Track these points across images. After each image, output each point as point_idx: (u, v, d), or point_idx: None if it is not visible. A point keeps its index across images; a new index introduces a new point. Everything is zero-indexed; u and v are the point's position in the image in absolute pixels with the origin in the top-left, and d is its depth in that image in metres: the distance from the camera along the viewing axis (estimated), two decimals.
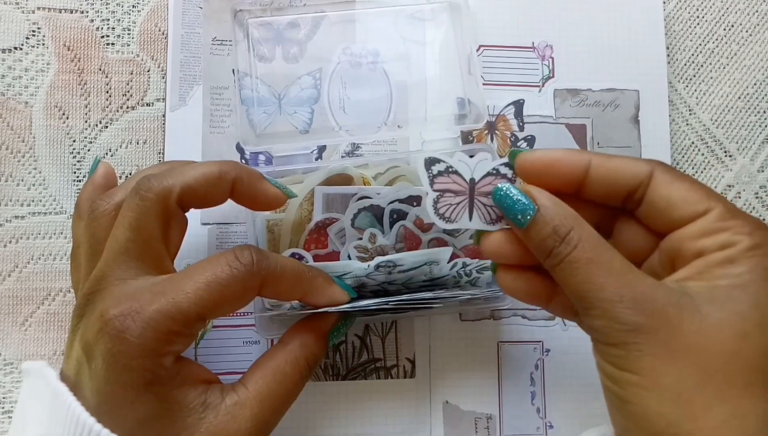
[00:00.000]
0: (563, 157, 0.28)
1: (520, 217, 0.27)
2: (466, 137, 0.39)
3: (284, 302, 0.32)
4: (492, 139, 0.40)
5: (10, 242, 0.37)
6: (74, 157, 0.38)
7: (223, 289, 0.27)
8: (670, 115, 0.41)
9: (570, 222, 0.26)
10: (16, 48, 0.38)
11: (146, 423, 0.25)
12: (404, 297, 0.32)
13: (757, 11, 0.42)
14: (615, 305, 0.24)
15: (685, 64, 0.42)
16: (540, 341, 0.38)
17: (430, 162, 0.29)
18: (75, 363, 0.27)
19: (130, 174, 0.38)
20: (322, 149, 0.38)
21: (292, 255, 0.34)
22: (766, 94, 0.42)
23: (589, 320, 0.26)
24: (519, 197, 0.27)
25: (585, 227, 0.26)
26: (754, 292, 0.24)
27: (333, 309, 0.31)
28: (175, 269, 0.30)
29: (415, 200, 0.35)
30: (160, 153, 0.38)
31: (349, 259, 0.34)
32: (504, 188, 0.28)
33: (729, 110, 0.42)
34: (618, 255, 0.26)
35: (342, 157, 0.38)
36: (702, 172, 0.41)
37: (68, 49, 0.38)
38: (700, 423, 0.23)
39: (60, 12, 0.38)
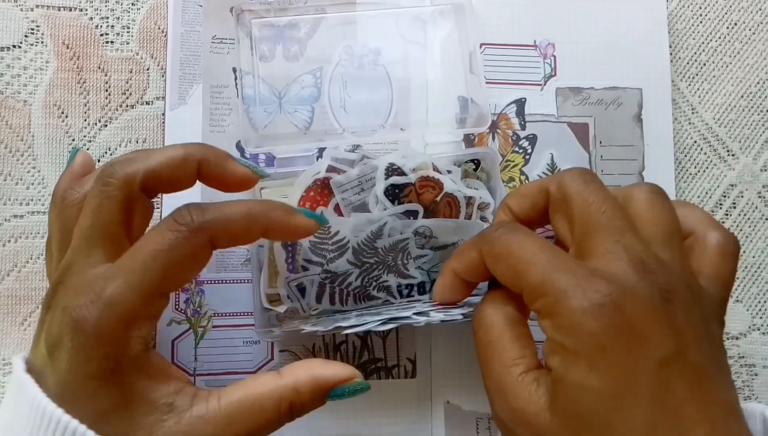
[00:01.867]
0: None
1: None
2: (468, 137, 0.39)
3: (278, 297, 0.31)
4: (494, 139, 0.39)
5: (9, 241, 0.37)
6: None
7: (171, 255, 0.26)
8: (672, 114, 0.41)
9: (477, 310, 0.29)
10: (14, 46, 0.38)
11: (107, 415, 0.25)
12: (387, 317, 0.32)
13: (760, 9, 0.42)
14: None
15: (688, 63, 0.42)
16: (542, 341, 0.38)
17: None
18: (40, 356, 0.26)
19: None
20: (322, 150, 0.38)
21: (284, 242, 0.33)
22: None
23: None
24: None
25: (483, 312, 0.29)
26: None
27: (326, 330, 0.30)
28: None
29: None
30: None
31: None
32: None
33: (732, 109, 0.41)
34: (515, 341, 0.28)
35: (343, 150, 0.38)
36: (704, 171, 0.41)
37: (67, 48, 0.38)
38: None
39: (59, 10, 0.38)
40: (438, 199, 0.35)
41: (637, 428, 0.24)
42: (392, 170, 0.34)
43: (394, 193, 0.35)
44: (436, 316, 0.31)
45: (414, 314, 0.32)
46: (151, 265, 0.26)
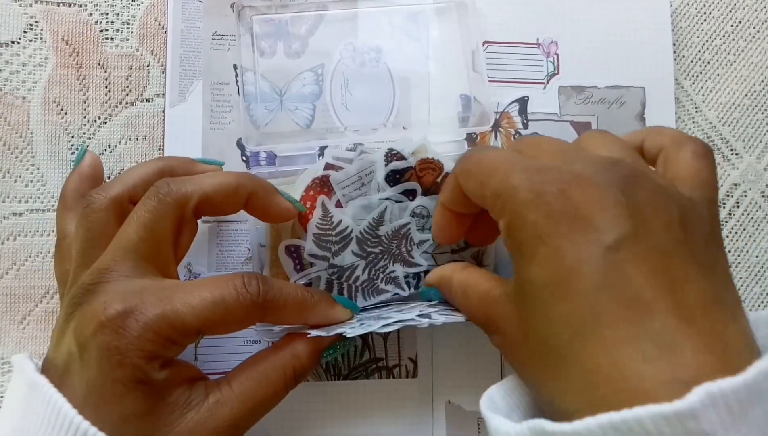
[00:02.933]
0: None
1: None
2: (470, 136, 0.39)
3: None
4: (496, 138, 0.39)
5: (8, 239, 0.36)
6: (73, 153, 0.37)
7: (227, 312, 0.27)
8: (676, 113, 0.40)
9: (448, 281, 0.32)
10: (13, 42, 0.37)
11: (130, 419, 0.26)
12: (389, 321, 0.31)
13: (764, 7, 0.42)
14: None
15: (692, 61, 0.41)
16: None
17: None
18: (66, 352, 0.27)
19: None
20: (324, 148, 0.38)
21: (288, 248, 0.34)
22: None
23: None
24: (427, 291, 0.34)
25: (456, 278, 0.31)
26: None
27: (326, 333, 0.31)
28: (178, 274, 0.30)
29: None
30: (159, 149, 0.37)
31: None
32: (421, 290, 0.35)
33: (736, 108, 0.41)
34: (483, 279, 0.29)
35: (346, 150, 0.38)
36: None
37: (66, 44, 0.38)
38: None
39: (58, 5, 0.38)
40: (439, 180, 0.35)
41: (579, 319, 0.22)
42: (392, 156, 0.34)
43: (395, 179, 0.35)
44: (439, 318, 0.31)
45: (417, 315, 0.31)
46: (206, 311, 0.27)
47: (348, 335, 0.30)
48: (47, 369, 0.27)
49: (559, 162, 0.26)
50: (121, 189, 0.30)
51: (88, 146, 0.37)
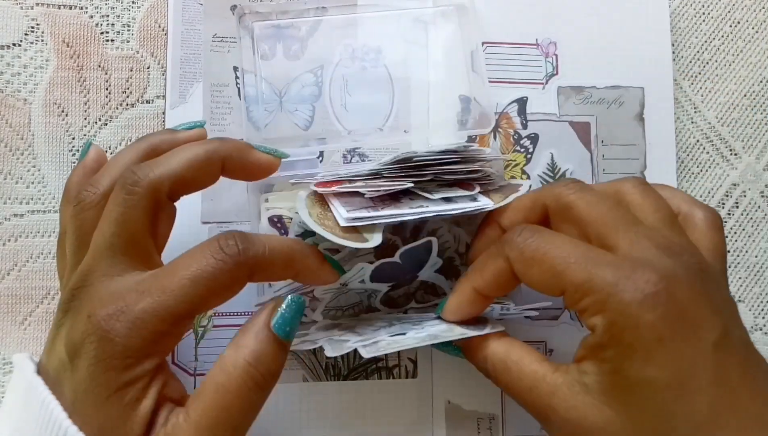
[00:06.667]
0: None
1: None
2: (470, 137, 0.39)
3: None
4: (495, 138, 0.39)
5: (9, 240, 0.36)
6: (73, 154, 0.37)
7: (210, 283, 0.25)
8: (675, 113, 0.40)
9: (483, 353, 0.30)
10: (14, 44, 0.37)
11: (106, 429, 0.24)
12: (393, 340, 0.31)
13: (763, 8, 0.42)
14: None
15: (691, 62, 0.41)
16: (543, 341, 0.38)
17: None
18: (57, 360, 0.26)
19: None
20: (323, 152, 0.38)
21: (271, 219, 0.33)
22: None
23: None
24: (446, 346, 0.31)
25: (490, 350, 0.30)
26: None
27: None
28: (163, 263, 0.28)
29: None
30: None
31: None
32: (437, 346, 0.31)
33: (734, 108, 0.41)
34: (528, 364, 0.28)
35: (343, 156, 0.38)
36: (707, 170, 0.41)
37: (67, 46, 0.38)
38: None
39: (59, 8, 0.38)
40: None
41: (700, 414, 0.24)
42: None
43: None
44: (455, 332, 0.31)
45: (427, 335, 0.31)
46: (188, 290, 0.25)
47: (364, 356, 0.29)
48: (41, 373, 0.27)
49: (641, 248, 0.26)
50: (110, 182, 0.29)
51: (91, 141, 0.37)
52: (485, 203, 0.31)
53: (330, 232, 0.29)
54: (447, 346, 0.31)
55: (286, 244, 0.28)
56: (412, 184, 0.31)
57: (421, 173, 0.32)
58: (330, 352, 0.29)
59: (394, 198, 0.31)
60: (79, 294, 0.26)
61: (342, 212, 0.29)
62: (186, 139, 0.31)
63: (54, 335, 0.27)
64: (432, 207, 0.30)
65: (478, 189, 0.32)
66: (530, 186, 0.34)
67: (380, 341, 0.30)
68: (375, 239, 0.29)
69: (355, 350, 0.29)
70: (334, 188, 0.30)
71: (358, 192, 0.30)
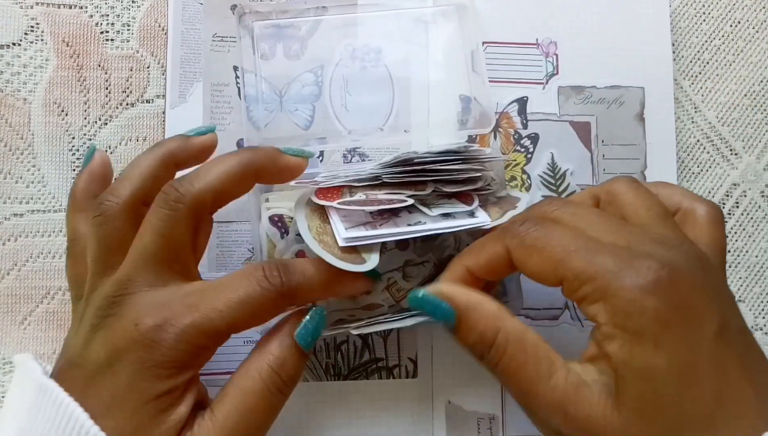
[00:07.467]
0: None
1: (443, 322, 0.28)
2: (470, 137, 0.39)
3: None
4: (495, 138, 0.39)
5: (9, 239, 0.36)
6: (73, 154, 0.37)
7: (255, 309, 0.27)
8: (675, 113, 0.40)
9: (494, 323, 0.27)
10: (14, 44, 0.37)
11: (139, 431, 0.26)
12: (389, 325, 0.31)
13: (764, 7, 0.42)
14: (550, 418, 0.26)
15: (691, 62, 0.41)
16: None
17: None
18: (93, 361, 0.27)
19: None
20: (323, 152, 0.38)
21: (272, 218, 0.34)
22: None
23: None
24: (437, 304, 0.28)
25: (509, 324, 0.27)
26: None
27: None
28: (200, 275, 0.30)
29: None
30: None
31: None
32: (420, 295, 0.28)
33: (735, 108, 0.41)
34: (544, 350, 0.27)
35: (343, 155, 0.38)
36: (707, 170, 0.41)
37: (67, 45, 0.38)
38: None
39: (59, 7, 0.38)
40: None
41: (706, 403, 0.24)
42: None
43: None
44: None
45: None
46: (234, 311, 0.27)
47: (354, 332, 0.30)
48: (65, 370, 0.27)
49: (637, 242, 0.26)
50: (131, 191, 0.29)
51: (96, 146, 0.37)
52: (483, 220, 0.31)
53: (328, 251, 0.29)
54: (438, 310, 0.28)
55: (322, 270, 0.29)
56: (412, 202, 0.31)
57: (421, 180, 0.32)
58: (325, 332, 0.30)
59: (392, 212, 0.32)
60: (121, 301, 0.27)
61: (341, 230, 0.30)
62: (200, 144, 0.32)
63: (88, 337, 0.27)
64: (430, 224, 0.31)
65: (476, 202, 0.32)
66: (529, 200, 0.34)
67: (372, 324, 0.31)
68: (372, 261, 0.29)
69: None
70: (335, 203, 0.31)
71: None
